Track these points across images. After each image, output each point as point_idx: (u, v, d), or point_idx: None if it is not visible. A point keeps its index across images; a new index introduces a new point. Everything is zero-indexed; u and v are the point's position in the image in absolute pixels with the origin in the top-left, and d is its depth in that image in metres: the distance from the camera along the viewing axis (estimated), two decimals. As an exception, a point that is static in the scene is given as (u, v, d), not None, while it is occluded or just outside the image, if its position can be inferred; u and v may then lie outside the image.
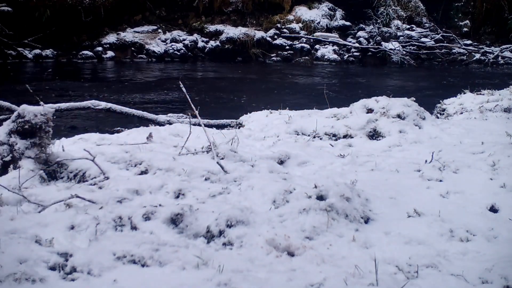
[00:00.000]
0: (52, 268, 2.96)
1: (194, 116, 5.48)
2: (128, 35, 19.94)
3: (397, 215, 3.84)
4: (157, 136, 5.77)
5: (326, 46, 20.64)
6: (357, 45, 20.77)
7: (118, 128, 7.68)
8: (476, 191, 4.28)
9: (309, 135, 6.15)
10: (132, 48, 19.57)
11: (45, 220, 3.52)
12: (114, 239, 3.24)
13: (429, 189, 4.37)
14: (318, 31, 21.04)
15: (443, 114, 8.15)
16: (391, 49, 20.20)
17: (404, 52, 20.14)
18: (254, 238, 3.28)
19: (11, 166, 4.42)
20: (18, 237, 3.22)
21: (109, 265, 2.99)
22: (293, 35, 20.91)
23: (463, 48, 20.90)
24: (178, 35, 20.43)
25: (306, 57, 20.26)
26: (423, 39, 21.15)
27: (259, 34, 20.46)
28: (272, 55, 20.40)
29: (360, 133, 6.09)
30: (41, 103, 6.01)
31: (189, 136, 5.08)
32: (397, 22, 21.70)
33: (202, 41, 20.43)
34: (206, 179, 4.49)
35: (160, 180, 4.26)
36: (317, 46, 20.60)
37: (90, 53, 18.77)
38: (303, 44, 20.60)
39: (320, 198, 3.78)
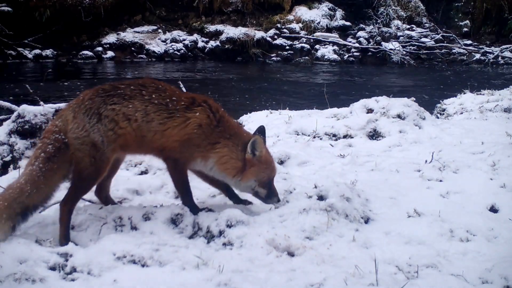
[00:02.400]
0: (52, 268, 2.97)
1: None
2: (128, 35, 19.96)
3: (397, 215, 3.83)
4: (157, 136, 5.76)
5: (326, 46, 20.64)
6: (357, 45, 20.78)
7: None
8: (476, 191, 4.27)
9: (309, 135, 6.15)
10: (132, 48, 19.58)
11: (45, 220, 3.52)
12: (114, 239, 3.24)
13: (429, 189, 4.37)
14: (318, 31, 21.05)
15: (443, 114, 8.15)
16: (391, 49, 20.20)
17: (404, 52, 20.14)
18: (254, 238, 3.28)
19: (11, 166, 4.42)
20: (18, 237, 3.22)
21: (109, 265, 2.99)
22: (293, 35, 20.92)
23: (463, 48, 20.91)
24: (178, 35, 20.44)
25: (306, 57, 20.27)
26: (423, 39, 21.17)
27: (259, 34, 20.46)
28: (272, 55, 20.41)
29: (360, 133, 6.08)
30: (41, 103, 6.01)
31: (189, 136, 5.07)
32: (397, 22, 21.71)
33: (202, 41, 20.45)
34: (206, 179, 4.48)
35: (160, 180, 4.26)
36: (317, 46, 20.62)
37: (90, 53, 18.79)
38: (303, 44, 20.61)
39: (320, 198, 3.77)
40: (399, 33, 21.15)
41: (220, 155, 3.49)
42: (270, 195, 3.66)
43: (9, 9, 17.33)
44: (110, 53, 19.13)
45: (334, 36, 21.02)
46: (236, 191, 3.82)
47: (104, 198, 3.79)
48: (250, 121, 7.23)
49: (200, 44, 20.32)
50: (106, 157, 3.39)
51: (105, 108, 3.37)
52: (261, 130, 3.79)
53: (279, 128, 6.48)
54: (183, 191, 3.65)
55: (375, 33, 21.04)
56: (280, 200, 3.70)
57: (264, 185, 3.61)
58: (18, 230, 3.26)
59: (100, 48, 19.10)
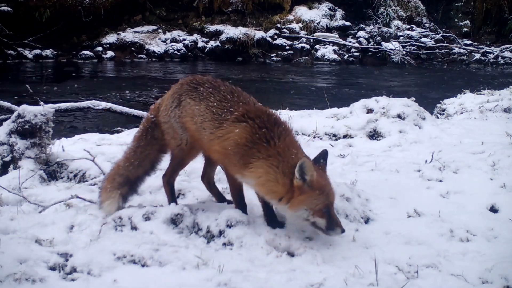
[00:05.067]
0: (52, 268, 2.96)
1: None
2: (128, 35, 19.95)
3: (397, 215, 3.84)
4: (157, 136, 5.76)
5: (326, 46, 20.64)
6: (357, 45, 20.77)
7: (118, 128, 7.69)
8: (476, 191, 4.27)
9: (309, 135, 6.15)
10: (132, 48, 19.56)
11: (45, 220, 3.52)
12: (114, 239, 3.24)
13: (429, 189, 4.37)
14: (318, 31, 21.04)
15: (443, 114, 8.14)
16: (391, 49, 20.20)
17: (404, 52, 20.13)
18: (254, 238, 3.28)
19: (11, 166, 4.42)
20: (18, 237, 3.22)
21: (109, 265, 2.99)
22: (293, 35, 20.91)
23: (463, 48, 20.90)
24: (178, 35, 20.43)
25: (306, 57, 20.26)
26: (423, 39, 21.15)
27: (259, 34, 20.45)
28: (272, 55, 20.40)
29: (360, 133, 6.08)
30: (41, 103, 6.01)
31: (189, 136, 5.07)
32: (397, 22, 21.70)
33: (202, 41, 20.44)
34: (206, 179, 4.47)
35: (160, 180, 4.25)
36: (317, 46, 20.60)
37: (90, 53, 18.77)
38: (303, 44, 20.60)
39: (320, 198, 3.77)
40: (399, 33, 21.13)
41: (256, 175, 3.21)
42: (331, 226, 3.15)
43: (9, 9, 17.33)
44: (110, 53, 19.13)
45: (334, 36, 21.01)
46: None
47: (207, 185, 3.98)
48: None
49: (200, 44, 20.31)
50: (187, 141, 3.60)
51: (184, 98, 3.60)
52: (323, 154, 3.37)
53: (279, 128, 6.47)
54: (236, 201, 3.65)
55: (375, 33, 21.03)
56: (344, 230, 3.19)
57: (321, 214, 3.14)
58: (129, 200, 3.73)
59: (100, 48, 19.10)
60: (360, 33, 21.29)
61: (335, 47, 20.60)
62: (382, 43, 20.60)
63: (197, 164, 4.67)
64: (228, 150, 3.30)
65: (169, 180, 3.84)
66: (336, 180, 4.32)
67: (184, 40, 20.24)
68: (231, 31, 20.34)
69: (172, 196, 3.85)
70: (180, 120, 3.58)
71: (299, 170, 3.07)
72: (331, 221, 3.15)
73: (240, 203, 3.63)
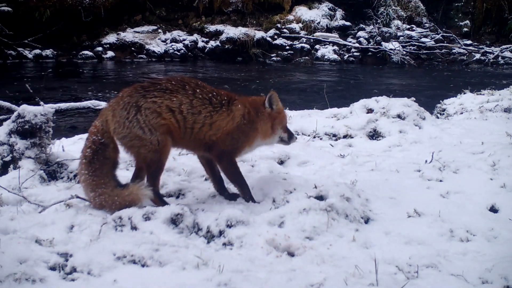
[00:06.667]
0: (52, 268, 2.96)
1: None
2: (128, 35, 19.94)
3: (397, 215, 3.84)
4: (157, 136, 5.76)
5: (326, 46, 20.64)
6: (357, 45, 20.77)
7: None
8: (476, 191, 4.27)
9: (309, 135, 6.15)
10: (132, 48, 19.56)
11: (45, 220, 3.52)
12: (114, 239, 3.24)
13: (429, 189, 4.37)
14: (318, 31, 21.04)
15: (443, 114, 8.14)
16: (391, 49, 20.19)
17: (404, 52, 20.13)
18: (254, 238, 3.28)
19: (11, 166, 4.42)
20: (18, 237, 3.22)
21: (109, 265, 2.99)
22: (293, 35, 20.91)
23: (463, 48, 20.90)
24: (178, 35, 20.43)
25: (306, 57, 20.26)
26: (423, 39, 21.15)
27: (259, 34, 20.45)
28: (272, 55, 20.40)
29: (360, 133, 6.08)
30: (41, 103, 6.01)
31: (189, 136, 5.07)
32: (397, 22, 21.70)
33: (202, 41, 20.44)
34: (206, 179, 4.48)
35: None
36: (317, 46, 20.61)
37: (90, 53, 18.77)
38: (303, 44, 20.61)
39: (320, 198, 3.78)
40: (399, 33, 21.14)
41: (262, 133, 3.99)
42: (291, 136, 4.21)
43: (9, 9, 17.32)
44: (110, 53, 19.12)
45: (334, 36, 21.01)
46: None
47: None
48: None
49: (200, 44, 20.31)
50: (158, 141, 3.64)
51: (144, 101, 3.62)
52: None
53: (279, 128, 6.47)
54: (241, 183, 3.96)
55: (375, 33, 21.03)
56: (297, 137, 4.41)
57: (285, 130, 4.15)
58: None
59: (100, 48, 19.10)
60: (360, 33, 21.29)
61: (335, 47, 20.60)
62: (382, 43, 20.61)
63: (197, 164, 4.68)
64: (239, 124, 3.83)
65: (153, 190, 3.76)
66: (336, 180, 4.33)
67: (184, 40, 20.24)
68: (231, 31, 20.34)
69: (163, 202, 3.80)
70: (148, 123, 3.60)
71: (269, 101, 4.04)
72: (290, 133, 4.22)
73: (246, 186, 3.94)
